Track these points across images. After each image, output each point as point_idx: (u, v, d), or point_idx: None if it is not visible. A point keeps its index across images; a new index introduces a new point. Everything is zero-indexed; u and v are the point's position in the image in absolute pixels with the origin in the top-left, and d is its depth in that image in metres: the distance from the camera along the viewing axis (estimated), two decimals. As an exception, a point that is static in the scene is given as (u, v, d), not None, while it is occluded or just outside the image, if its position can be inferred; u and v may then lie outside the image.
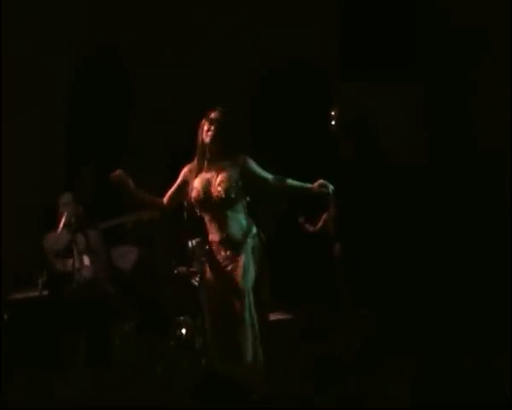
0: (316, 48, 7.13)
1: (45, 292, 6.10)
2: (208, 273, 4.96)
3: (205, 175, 4.90)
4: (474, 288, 6.34)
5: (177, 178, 5.08)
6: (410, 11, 6.98)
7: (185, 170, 5.05)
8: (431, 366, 5.38)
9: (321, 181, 4.89)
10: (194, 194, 4.92)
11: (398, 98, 6.94)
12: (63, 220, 6.33)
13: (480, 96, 6.79)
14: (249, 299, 4.80)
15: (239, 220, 4.88)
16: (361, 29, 7.05)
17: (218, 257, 4.91)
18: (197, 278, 5.18)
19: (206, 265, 4.98)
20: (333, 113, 5.82)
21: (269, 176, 4.91)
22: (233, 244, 4.87)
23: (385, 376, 5.27)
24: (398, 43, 6.96)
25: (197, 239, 6.32)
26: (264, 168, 4.93)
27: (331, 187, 4.88)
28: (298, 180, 4.93)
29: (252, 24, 7.20)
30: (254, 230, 4.93)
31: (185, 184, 5.01)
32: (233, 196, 4.83)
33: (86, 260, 6.41)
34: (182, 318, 5.98)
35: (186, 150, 6.86)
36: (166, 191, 5.14)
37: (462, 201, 6.64)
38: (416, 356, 5.55)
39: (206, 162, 4.91)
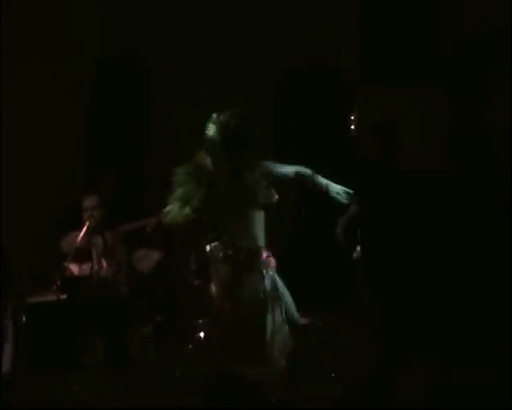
0: (337, 50, 7.10)
1: (62, 295, 6.12)
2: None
3: None
4: (489, 293, 6.29)
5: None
6: (432, 15, 6.92)
7: None
8: (441, 368, 5.35)
9: (343, 189, 4.83)
10: None
11: (419, 102, 6.89)
12: (87, 223, 6.35)
13: (503, 100, 6.71)
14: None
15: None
16: (382, 33, 7.01)
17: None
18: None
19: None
20: (353, 117, 5.77)
21: (291, 169, 4.84)
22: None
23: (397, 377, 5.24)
24: (420, 47, 6.91)
25: (215, 243, 6.36)
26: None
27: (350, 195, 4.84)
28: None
29: (273, 25, 7.18)
30: None
31: None
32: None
33: (104, 263, 6.42)
34: (200, 321, 5.97)
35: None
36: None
37: (482, 207, 6.58)
38: (427, 357, 5.51)
39: None
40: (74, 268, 6.41)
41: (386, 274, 6.36)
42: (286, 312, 4.79)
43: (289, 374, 4.92)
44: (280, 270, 4.91)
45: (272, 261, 4.85)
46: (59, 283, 6.13)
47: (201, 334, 5.93)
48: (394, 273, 6.36)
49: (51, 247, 6.54)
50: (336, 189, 4.82)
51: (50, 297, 6.16)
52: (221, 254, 5.04)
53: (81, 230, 6.31)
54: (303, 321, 5.75)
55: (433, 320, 6.02)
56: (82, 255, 6.40)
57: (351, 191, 4.83)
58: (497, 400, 4.79)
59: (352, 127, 5.70)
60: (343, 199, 4.81)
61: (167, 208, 4.90)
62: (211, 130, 4.84)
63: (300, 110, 7.26)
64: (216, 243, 6.26)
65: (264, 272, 4.77)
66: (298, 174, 4.82)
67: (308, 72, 7.27)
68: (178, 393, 5.44)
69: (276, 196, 4.80)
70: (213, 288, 5.17)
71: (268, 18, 7.21)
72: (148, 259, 6.58)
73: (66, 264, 6.34)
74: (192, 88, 7.21)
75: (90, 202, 6.52)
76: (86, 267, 6.38)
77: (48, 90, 7.11)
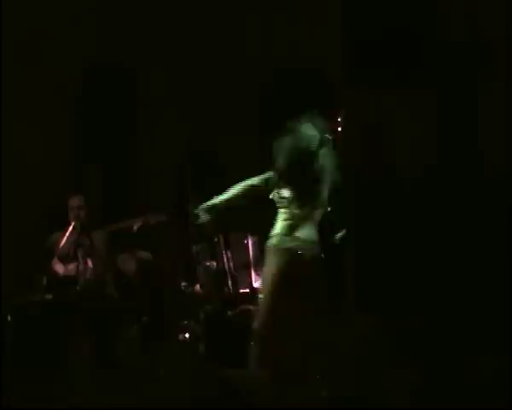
0: (323, 51, 7.11)
1: (48, 295, 6.12)
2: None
3: None
4: (478, 288, 6.34)
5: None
6: (418, 16, 6.94)
7: None
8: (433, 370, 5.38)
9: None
10: None
11: (406, 103, 6.91)
12: (73, 223, 6.36)
13: (489, 103, 6.75)
14: None
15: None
16: (368, 35, 7.03)
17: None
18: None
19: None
20: (339, 119, 5.78)
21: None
22: None
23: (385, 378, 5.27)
24: (408, 49, 6.93)
25: (202, 244, 6.39)
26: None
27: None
28: None
29: (258, 28, 7.19)
30: None
31: None
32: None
33: (90, 263, 6.42)
34: (185, 322, 5.99)
35: (191, 151, 6.96)
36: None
37: (471, 206, 6.62)
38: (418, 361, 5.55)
39: None
40: (60, 268, 6.40)
41: (373, 273, 6.42)
42: None
43: (275, 376, 4.93)
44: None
45: None
46: (44, 283, 6.13)
47: (187, 335, 5.95)
48: (381, 271, 6.42)
49: (37, 247, 6.53)
50: None
51: (36, 297, 6.16)
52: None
53: (67, 229, 6.33)
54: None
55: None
56: (68, 255, 6.40)
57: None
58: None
59: (339, 129, 5.70)
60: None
61: (268, 174, 4.85)
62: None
63: (286, 112, 7.25)
64: (202, 244, 6.31)
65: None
66: None
67: (294, 73, 7.27)
68: (163, 393, 5.43)
69: None
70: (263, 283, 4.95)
71: (253, 20, 7.22)
72: (134, 259, 6.57)
73: (51, 264, 6.35)
74: (177, 89, 7.22)
75: (75, 201, 6.52)
76: (72, 267, 6.37)
77: (35, 90, 7.09)
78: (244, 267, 6.34)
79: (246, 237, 6.40)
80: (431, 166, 6.82)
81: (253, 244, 6.42)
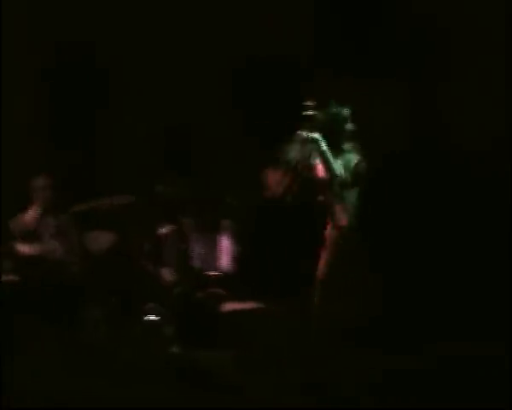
0: (293, 40, 7.07)
1: (12, 276, 6.02)
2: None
3: None
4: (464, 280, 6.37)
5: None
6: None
7: None
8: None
9: None
10: None
11: (378, 90, 6.90)
12: (37, 204, 6.27)
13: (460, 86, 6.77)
14: None
15: None
16: (338, 21, 7.00)
17: None
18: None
19: None
20: (308, 103, 5.73)
21: None
22: None
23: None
24: (376, 35, 6.91)
25: (170, 226, 6.33)
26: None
27: None
28: None
29: (228, 18, 7.11)
30: None
31: None
32: None
33: (56, 244, 6.32)
34: (151, 304, 5.93)
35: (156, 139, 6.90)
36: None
37: (443, 194, 6.64)
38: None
39: None
40: (24, 249, 6.30)
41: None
42: None
43: (243, 359, 4.92)
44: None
45: None
46: (9, 264, 6.03)
47: (154, 317, 5.90)
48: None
49: (3, 230, 6.42)
50: None
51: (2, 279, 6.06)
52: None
53: (30, 210, 6.24)
54: (259, 306, 5.80)
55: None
56: (32, 236, 6.31)
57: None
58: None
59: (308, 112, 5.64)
60: None
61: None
62: None
63: (258, 100, 7.20)
64: (171, 226, 6.26)
65: None
66: None
67: (265, 61, 7.21)
68: (128, 376, 5.36)
69: None
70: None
71: (223, 9, 7.14)
72: (101, 240, 6.49)
73: (14, 245, 6.25)
74: (149, 70, 7.14)
75: (40, 181, 6.43)
76: (37, 248, 6.27)
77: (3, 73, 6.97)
78: (213, 249, 6.30)
79: (215, 221, 6.37)
80: (404, 154, 6.82)
81: (223, 228, 6.40)
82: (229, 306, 6.06)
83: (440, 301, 6.37)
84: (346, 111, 5.26)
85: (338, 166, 5.09)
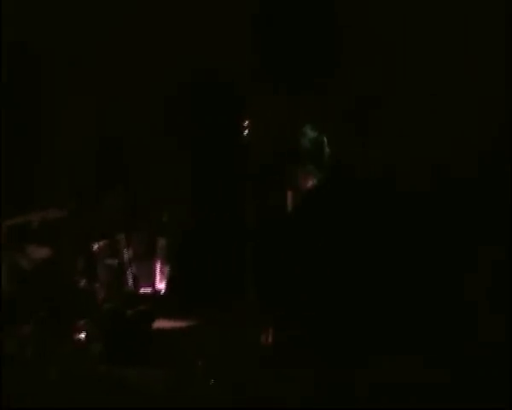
0: (230, 58, 7.06)
1: None
2: None
3: None
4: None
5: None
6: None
7: None
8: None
9: None
10: None
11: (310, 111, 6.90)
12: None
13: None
14: None
15: None
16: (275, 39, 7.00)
17: None
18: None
19: None
20: (246, 123, 5.74)
21: None
22: None
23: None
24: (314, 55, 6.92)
25: (103, 241, 6.26)
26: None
27: None
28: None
29: (164, 31, 7.07)
30: None
31: None
32: None
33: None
34: (82, 322, 5.83)
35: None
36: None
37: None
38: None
39: None
40: None
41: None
42: None
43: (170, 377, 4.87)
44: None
45: None
46: None
47: (82, 335, 5.80)
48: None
49: None
50: None
51: None
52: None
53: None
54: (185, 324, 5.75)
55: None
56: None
57: None
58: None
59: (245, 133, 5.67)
60: None
61: None
62: None
63: (194, 119, 7.17)
64: (103, 241, 6.19)
65: None
66: None
67: (201, 80, 7.19)
68: (54, 394, 5.26)
69: None
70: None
71: (159, 21, 7.10)
72: (32, 255, 6.37)
73: None
74: (85, 80, 7.07)
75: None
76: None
77: None
78: (146, 267, 6.25)
79: (149, 236, 6.32)
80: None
81: (157, 245, 6.35)
82: (161, 323, 6.00)
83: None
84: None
85: None
